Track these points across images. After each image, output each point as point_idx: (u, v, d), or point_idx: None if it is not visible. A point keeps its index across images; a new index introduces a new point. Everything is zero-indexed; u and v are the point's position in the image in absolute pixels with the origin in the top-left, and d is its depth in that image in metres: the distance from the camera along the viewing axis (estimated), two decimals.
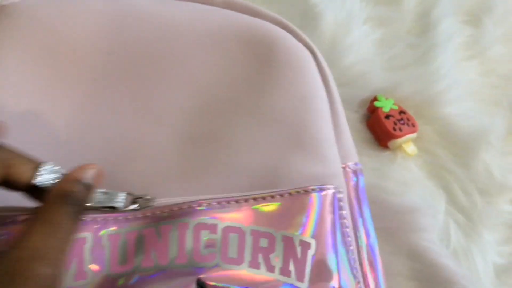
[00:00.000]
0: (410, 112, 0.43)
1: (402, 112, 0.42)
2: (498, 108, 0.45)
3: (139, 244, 0.22)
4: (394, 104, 0.43)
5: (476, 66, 0.47)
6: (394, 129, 0.41)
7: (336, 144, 0.30)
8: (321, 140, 0.29)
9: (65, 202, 0.18)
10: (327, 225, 0.25)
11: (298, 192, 0.25)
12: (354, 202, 0.30)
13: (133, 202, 0.21)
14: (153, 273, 0.21)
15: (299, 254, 0.24)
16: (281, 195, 0.25)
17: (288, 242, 0.24)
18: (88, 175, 0.19)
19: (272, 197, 0.25)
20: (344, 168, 0.30)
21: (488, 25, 0.48)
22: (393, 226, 0.38)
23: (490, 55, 0.48)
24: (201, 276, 0.22)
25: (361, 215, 0.29)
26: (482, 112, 0.45)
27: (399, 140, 0.41)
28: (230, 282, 0.22)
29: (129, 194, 0.21)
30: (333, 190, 0.26)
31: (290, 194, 0.25)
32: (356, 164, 0.31)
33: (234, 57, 0.29)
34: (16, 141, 0.21)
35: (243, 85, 0.29)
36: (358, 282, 0.27)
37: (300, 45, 0.31)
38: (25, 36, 0.25)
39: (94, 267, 0.21)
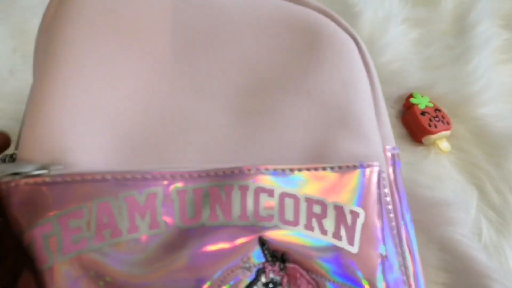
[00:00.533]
0: (445, 110, 0.44)
1: (437, 109, 0.43)
2: None
3: (206, 200, 0.24)
4: (429, 101, 0.44)
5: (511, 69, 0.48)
6: (429, 126, 0.42)
7: (377, 126, 0.31)
8: (364, 121, 0.30)
9: None
10: (374, 198, 0.27)
11: (347, 166, 0.27)
12: (393, 183, 0.31)
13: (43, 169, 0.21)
14: (219, 226, 0.23)
15: (349, 221, 0.25)
16: (332, 168, 0.27)
17: (339, 210, 0.25)
18: None
19: (324, 169, 0.26)
20: (383, 151, 0.31)
21: None
22: (426, 218, 0.39)
23: None
24: (263, 233, 0.23)
25: (399, 198, 0.30)
26: None
27: (433, 136, 0.42)
28: (288, 243, 0.24)
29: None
30: (378, 168, 0.28)
31: (340, 167, 0.27)
32: (394, 148, 0.33)
33: (282, 41, 0.30)
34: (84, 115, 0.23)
35: (291, 67, 0.30)
36: (399, 256, 0.28)
37: (344, 33, 0.32)
38: (91, 18, 0.27)
39: (166, 218, 0.22)
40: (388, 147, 0.32)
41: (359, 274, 0.25)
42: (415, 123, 0.42)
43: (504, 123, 0.44)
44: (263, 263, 0.24)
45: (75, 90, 0.25)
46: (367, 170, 0.27)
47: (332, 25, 0.32)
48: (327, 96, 0.30)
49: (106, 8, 0.28)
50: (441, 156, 0.42)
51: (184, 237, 0.23)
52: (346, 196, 0.26)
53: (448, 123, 0.43)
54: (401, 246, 0.29)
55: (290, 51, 0.30)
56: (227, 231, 0.23)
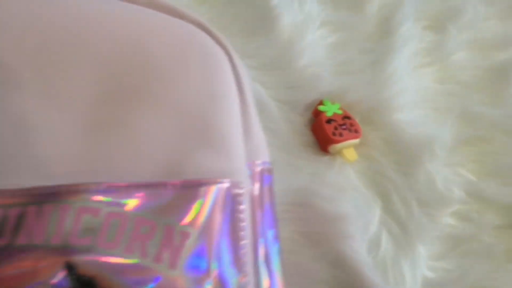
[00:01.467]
0: (358, 118, 0.43)
1: (346, 117, 0.42)
2: (449, 116, 0.44)
3: (20, 220, 0.23)
4: (339, 109, 0.42)
5: (434, 72, 0.46)
6: (334, 134, 0.40)
7: (243, 142, 0.30)
8: (227, 135, 0.29)
9: None
10: (214, 218, 0.26)
11: (190, 183, 0.26)
12: (256, 200, 0.30)
13: None
14: (26, 247, 0.23)
15: (176, 242, 0.24)
16: (174, 185, 0.26)
17: (169, 231, 0.25)
18: None
19: (164, 186, 0.26)
20: (250, 165, 0.31)
21: (451, 31, 0.47)
22: (322, 231, 0.38)
23: (450, 62, 0.46)
24: (72, 258, 0.23)
25: (262, 215, 0.30)
26: (433, 120, 0.44)
27: (338, 145, 0.41)
28: (100, 266, 0.23)
29: None
30: (227, 185, 0.27)
31: (182, 184, 0.26)
32: (264, 162, 0.32)
33: (147, 50, 0.30)
34: None
35: (153, 77, 0.29)
36: (245, 276, 0.27)
37: (217, 47, 0.31)
38: None
39: None
40: (258, 162, 0.31)
41: None
42: (321, 131, 0.41)
43: (416, 130, 0.42)
44: None
45: None
46: (213, 187, 0.27)
47: (206, 38, 0.32)
48: (189, 110, 0.29)
49: None
50: (346, 166, 0.41)
51: None
52: (180, 215, 0.25)
53: (356, 131, 0.41)
54: (256, 264, 0.29)
55: (155, 61, 0.30)
56: (33, 253, 0.23)
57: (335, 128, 0.41)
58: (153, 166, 0.27)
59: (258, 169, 0.31)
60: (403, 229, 0.39)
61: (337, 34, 0.47)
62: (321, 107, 0.42)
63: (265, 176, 0.32)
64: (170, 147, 0.28)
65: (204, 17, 0.47)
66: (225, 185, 0.27)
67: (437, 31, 0.47)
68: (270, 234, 0.30)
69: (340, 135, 0.41)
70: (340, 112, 0.42)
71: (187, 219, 0.25)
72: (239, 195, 0.28)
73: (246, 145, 0.31)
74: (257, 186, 0.31)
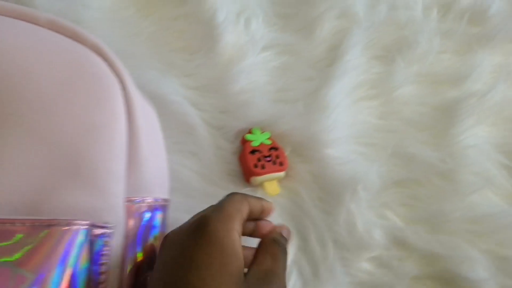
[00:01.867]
0: (289, 149, 0.42)
1: (274, 148, 0.41)
2: (383, 154, 0.42)
3: None
4: (268, 139, 0.41)
5: (376, 107, 0.44)
6: (256, 166, 0.39)
7: (125, 178, 0.30)
8: (102, 171, 0.28)
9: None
10: (56, 261, 0.25)
11: (41, 222, 0.25)
12: (129, 237, 0.30)
13: None
14: None
15: (11, 287, 0.24)
16: (23, 223, 0.25)
17: (4, 272, 0.24)
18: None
19: (13, 224, 0.25)
20: (130, 202, 0.30)
21: (400, 63, 0.45)
22: None
23: (395, 96, 0.44)
24: None
25: (133, 252, 0.29)
26: (365, 157, 0.42)
27: (259, 178, 0.39)
28: None
29: None
30: (84, 227, 0.26)
31: (32, 224, 0.25)
32: (156, 199, 0.31)
33: (27, 75, 0.29)
34: None
35: (30, 103, 0.28)
36: None
37: (111, 75, 0.30)
38: None
39: None
40: (142, 198, 0.31)
41: None
42: (243, 162, 0.40)
43: (345, 167, 0.41)
44: None
45: None
46: (66, 229, 0.26)
47: (97, 63, 0.31)
48: (64, 140, 0.28)
49: None
50: (268, 199, 0.40)
51: None
52: (23, 258, 0.25)
53: (281, 164, 0.40)
54: None
55: (34, 87, 0.29)
56: None
57: (258, 160, 0.40)
58: (15, 200, 0.26)
59: (141, 205, 0.31)
60: (314, 272, 0.38)
61: (282, 58, 0.46)
62: (248, 136, 0.41)
63: (143, 213, 0.31)
64: (35, 181, 0.26)
65: (146, 31, 0.46)
66: (82, 226, 0.26)
67: (386, 62, 0.45)
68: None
69: (262, 167, 0.39)
70: (268, 142, 0.41)
71: (28, 262, 0.24)
72: (105, 234, 0.28)
73: (129, 180, 0.30)
74: (131, 223, 0.30)
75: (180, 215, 0.39)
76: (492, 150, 0.43)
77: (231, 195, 0.30)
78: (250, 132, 0.41)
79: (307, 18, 0.46)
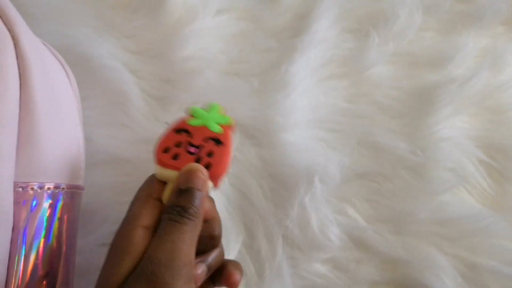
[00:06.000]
0: (241, 131, 0.36)
1: (216, 141, 0.29)
2: (349, 143, 0.37)
3: None
4: (223, 126, 0.30)
5: (345, 88, 0.38)
6: (166, 150, 0.28)
7: (16, 158, 0.24)
8: None
9: None
10: None
11: None
12: (24, 227, 0.24)
13: None
14: None
15: None
16: None
17: None
18: None
19: None
20: (22, 188, 0.24)
21: (375, 38, 0.39)
22: None
23: (367, 77, 0.39)
24: None
25: (25, 240, 0.24)
26: (327, 145, 0.37)
27: (162, 170, 0.28)
28: None
29: None
30: None
31: None
32: (58, 185, 0.25)
33: None
34: None
35: None
36: None
37: (3, 28, 0.24)
38: None
39: None
40: (35, 183, 0.25)
41: None
42: (159, 139, 0.29)
43: (302, 155, 0.35)
44: None
45: None
46: None
47: None
48: None
49: None
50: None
51: None
52: None
53: (208, 166, 0.27)
54: None
55: None
56: None
57: (177, 145, 0.28)
58: None
59: (38, 192, 0.25)
60: (259, 271, 0.33)
61: (239, 25, 0.39)
62: (193, 109, 0.31)
63: (56, 201, 0.25)
64: None
65: None
66: None
67: (358, 37, 0.39)
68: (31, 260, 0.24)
69: (175, 157, 0.28)
70: (216, 129, 0.29)
71: None
72: None
73: (21, 161, 0.24)
74: (23, 213, 0.24)
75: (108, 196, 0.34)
76: (470, 144, 0.38)
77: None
78: (203, 107, 0.32)
79: None
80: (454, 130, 0.38)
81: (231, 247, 0.33)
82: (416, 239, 0.35)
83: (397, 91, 0.39)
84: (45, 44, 0.29)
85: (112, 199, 0.34)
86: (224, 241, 0.32)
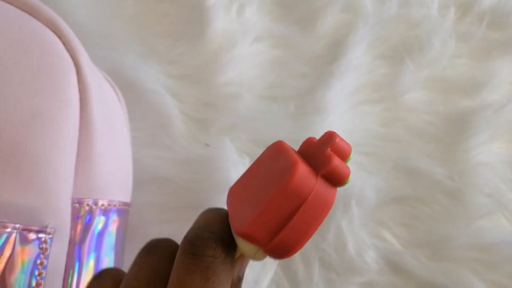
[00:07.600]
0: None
1: None
2: (384, 167, 0.37)
3: None
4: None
5: (380, 112, 0.39)
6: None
7: (74, 176, 0.25)
8: (44, 167, 0.24)
9: None
10: None
11: None
12: (73, 243, 0.25)
13: None
14: None
15: None
16: None
17: None
18: None
19: None
20: (79, 203, 0.25)
21: (409, 65, 0.40)
22: None
23: (402, 102, 0.39)
24: None
25: (80, 255, 0.25)
26: (363, 168, 0.37)
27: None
28: None
29: None
30: (15, 230, 0.22)
31: None
32: (111, 202, 0.27)
33: None
34: None
35: None
36: None
37: (65, 56, 0.26)
38: None
39: None
40: (89, 200, 0.26)
41: None
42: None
43: None
44: None
45: None
46: None
47: (51, 41, 0.26)
48: (1, 127, 0.24)
49: None
50: None
51: None
52: None
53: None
54: None
55: None
56: None
57: None
58: None
59: (92, 208, 0.26)
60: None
61: (275, 51, 0.41)
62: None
63: (94, 217, 0.26)
64: None
65: (128, 12, 0.42)
66: (12, 230, 0.22)
67: (393, 64, 0.40)
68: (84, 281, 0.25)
69: None
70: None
71: None
72: (38, 240, 0.23)
73: (79, 178, 0.26)
74: (79, 228, 0.25)
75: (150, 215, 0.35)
76: (507, 170, 0.37)
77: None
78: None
79: (308, 9, 0.41)
80: (491, 155, 0.38)
81: (268, 268, 0.34)
82: (454, 264, 0.35)
83: (432, 116, 0.39)
84: (99, 71, 0.30)
85: (154, 217, 0.35)
86: (261, 261, 0.33)
